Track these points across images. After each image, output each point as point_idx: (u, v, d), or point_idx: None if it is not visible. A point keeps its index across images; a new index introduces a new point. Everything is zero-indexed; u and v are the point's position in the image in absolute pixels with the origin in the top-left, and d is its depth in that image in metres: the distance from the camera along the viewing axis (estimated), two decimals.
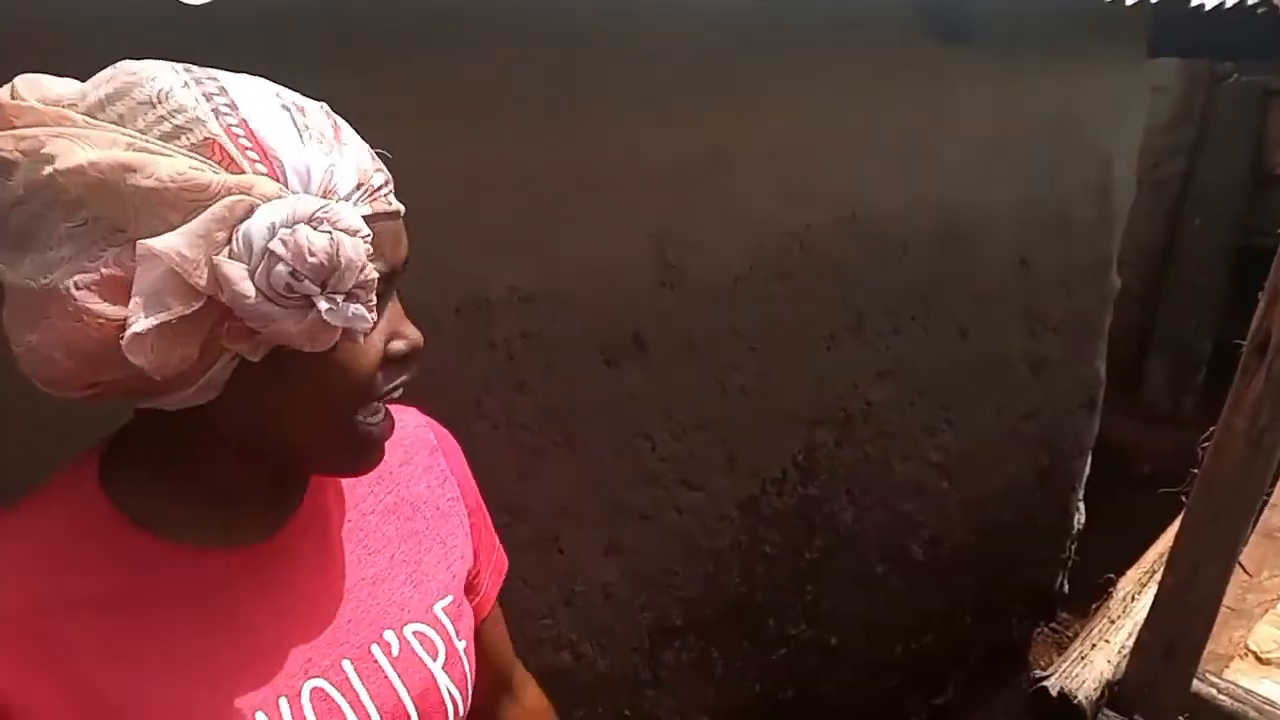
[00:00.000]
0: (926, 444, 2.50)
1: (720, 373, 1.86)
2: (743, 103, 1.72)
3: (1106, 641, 2.39)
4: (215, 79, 0.62)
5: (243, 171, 0.59)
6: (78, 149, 0.58)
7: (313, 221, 0.60)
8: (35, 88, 0.61)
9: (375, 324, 0.65)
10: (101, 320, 0.58)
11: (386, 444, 0.73)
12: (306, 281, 0.60)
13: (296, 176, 0.61)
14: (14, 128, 0.59)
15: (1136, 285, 4.31)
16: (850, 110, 1.95)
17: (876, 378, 2.26)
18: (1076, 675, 2.24)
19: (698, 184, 1.69)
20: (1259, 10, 2.07)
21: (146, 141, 0.59)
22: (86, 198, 0.58)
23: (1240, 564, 2.17)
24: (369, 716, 0.74)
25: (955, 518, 2.70)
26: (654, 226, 1.65)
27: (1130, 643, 2.32)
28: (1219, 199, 4.68)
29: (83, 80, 0.62)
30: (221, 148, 0.59)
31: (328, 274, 0.60)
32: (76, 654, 0.65)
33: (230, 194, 0.58)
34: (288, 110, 0.63)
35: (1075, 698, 2.18)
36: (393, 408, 0.73)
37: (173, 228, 0.58)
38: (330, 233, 0.60)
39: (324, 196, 0.62)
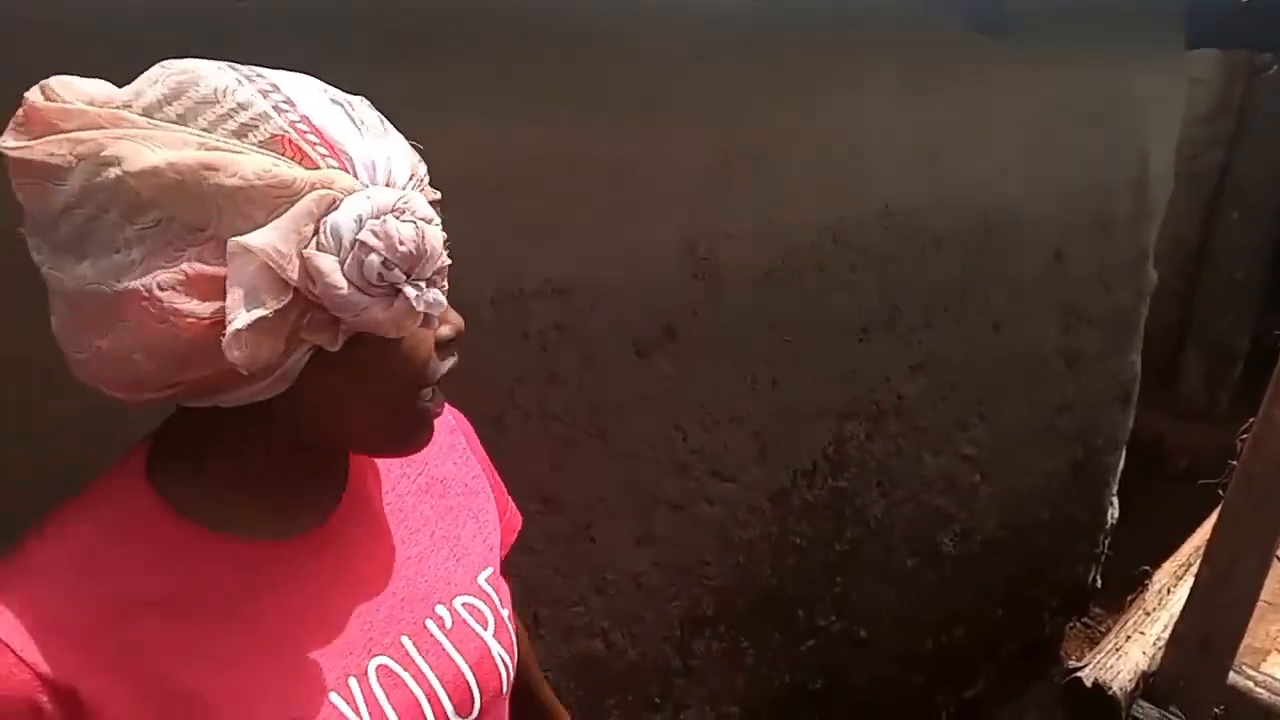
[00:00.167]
0: (959, 438, 2.50)
1: (752, 365, 1.87)
2: (780, 97, 1.73)
3: (1142, 633, 2.38)
4: (264, 76, 0.63)
5: (316, 166, 0.61)
6: (147, 150, 0.58)
7: (394, 212, 0.62)
8: (74, 90, 0.61)
9: None
10: (192, 319, 0.59)
11: None
12: (396, 270, 0.61)
13: (364, 169, 0.63)
14: (61, 131, 0.59)
15: (1173, 279, 4.26)
16: (886, 104, 1.95)
17: (909, 371, 2.26)
18: (1111, 667, 2.23)
19: (732, 177, 1.70)
20: None
21: (217, 140, 0.59)
22: (160, 199, 0.58)
23: (1278, 557, 2.16)
24: (433, 689, 0.77)
25: (987, 512, 2.70)
26: (687, 219, 1.66)
27: (1166, 635, 2.31)
28: (1257, 192, 4.61)
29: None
30: (292, 143, 0.60)
31: (415, 262, 0.62)
32: (148, 653, 0.66)
33: (313, 189, 0.60)
34: (339, 105, 0.64)
35: (1110, 689, 2.17)
36: None
37: (256, 224, 0.58)
38: (415, 222, 0.62)
39: (387, 187, 0.63)
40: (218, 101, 0.60)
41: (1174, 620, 2.31)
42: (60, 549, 0.66)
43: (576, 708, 1.75)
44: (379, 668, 0.75)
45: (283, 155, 0.60)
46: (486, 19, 1.30)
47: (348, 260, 0.60)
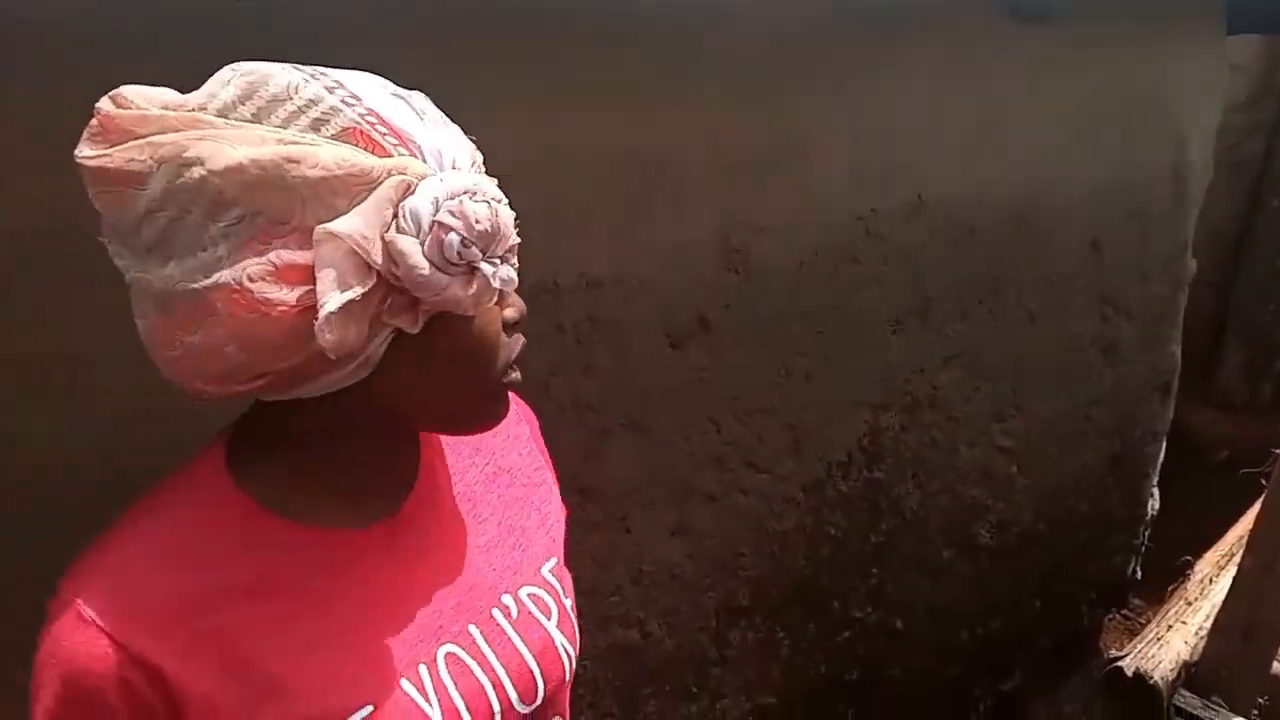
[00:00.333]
0: (994, 429, 2.49)
1: (786, 357, 1.87)
2: (815, 88, 1.73)
3: (1183, 623, 2.36)
4: (327, 73, 0.65)
5: (389, 155, 0.63)
6: (228, 148, 0.60)
7: (467, 193, 0.64)
8: (147, 96, 0.63)
9: None
10: (283, 307, 0.61)
11: None
12: (473, 248, 0.64)
13: (432, 156, 0.65)
14: (139, 137, 0.61)
15: (1212, 269, 4.21)
16: (922, 92, 1.95)
17: (943, 362, 2.25)
18: (1152, 656, 2.22)
19: (765, 170, 1.70)
20: None
21: (294, 135, 0.62)
22: (244, 195, 0.60)
23: None
24: (498, 677, 0.79)
25: (1024, 503, 2.68)
26: (721, 212, 1.67)
27: (1208, 625, 2.29)
28: None
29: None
30: (364, 134, 0.63)
31: (490, 240, 0.65)
32: (231, 637, 0.69)
33: (390, 175, 0.62)
34: (400, 98, 0.67)
35: (1151, 678, 2.16)
36: None
37: (338, 212, 0.61)
38: (487, 201, 0.65)
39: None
40: (289, 98, 0.62)
41: (1216, 610, 2.29)
42: (147, 538, 0.69)
43: (613, 697, 1.77)
44: (448, 655, 0.77)
45: (355, 145, 0.62)
46: (521, 13, 1.31)
47: (427, 241, 0.62)
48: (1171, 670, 2.23)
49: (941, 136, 2.04)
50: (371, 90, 0.66)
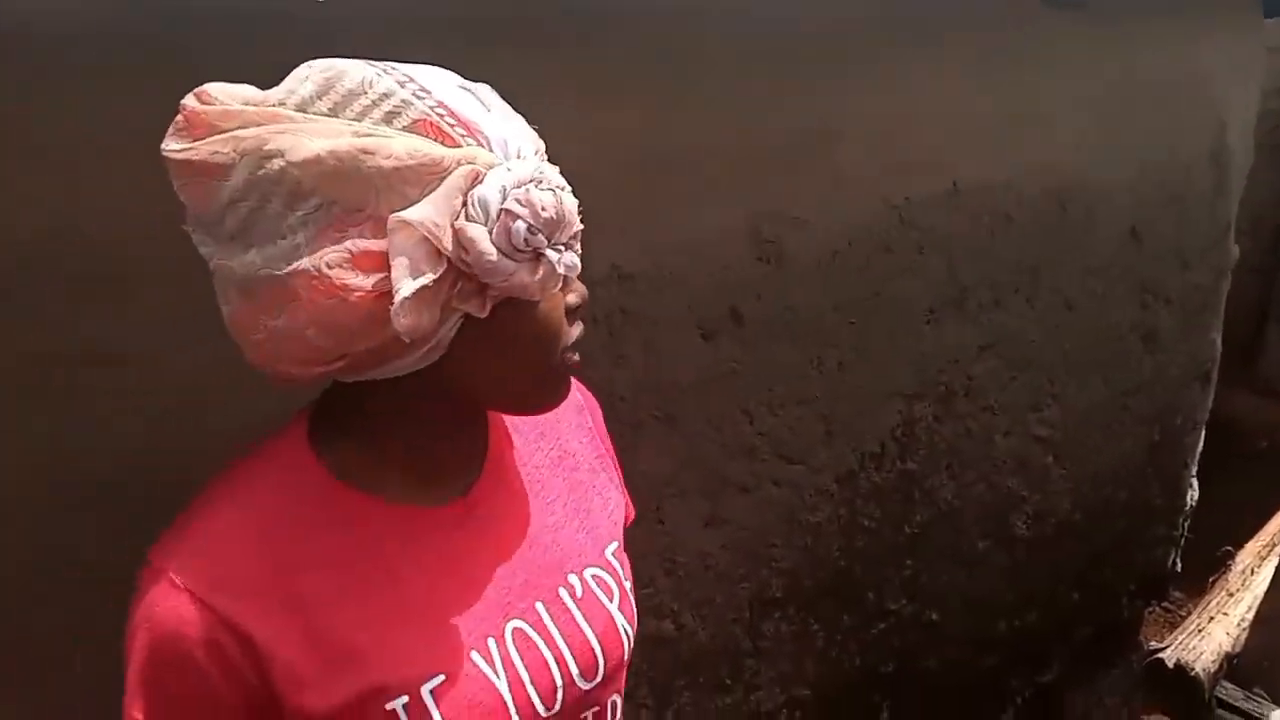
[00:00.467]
0: (1030, 419, 2.46)
1: (818, 348, 1.86)
2: (847, 76, 1.72)
3: (1225, 614, 2.34)
4: (397, 68, 0.69)
5: (458, 145, 0.66)
6: (306, 141, 0.63)
7: (533, 181, 0.67)
8: (229, 92, 0.66)
9: None
10: (360, 293, 0.64)
11: None
12: (539, 235, 0.67)
13: (498, 146, 0.68)
14: (222, 132, 0.64)
15: (1254, 255, 4.14)
16: (956, 79, 1.93)
17: (978, 352, 2.23)
18: (1194, 648, 2.20)
19: (797, 159, 1.69)
20: None
21: (368, 128, 0.65)
22: (321, 185, 0.63)
23: None
24: (562, 654, 0.82)
25: (1061, 494, 2.65)
26: (753, 203, 1.66)
27: (1250, 616, 2.26)
28: None
29: None
30: (434, 125, 0.66)
31: (555, 226, 0.68)
32: (312, 606, 0.72)
33: (460, 165, 0.65)
34: (466, 90, 0.70)
35: (1192, 670, 2.14)
36: None
37: (410, 201, 0.64)
38: (553, 190, 0.68)
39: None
40: (363, 93, 0.66)
41: (1258, 601, 2.26)
42: (234, 509, 0.73)
43: (647, 688, 1.77)
44: (515, 630, 0.80)
45: (426, 137, 0.66)
46: (551, 7, 1.31)
47: (495, 229, 0.65)
48: (1213, 662, 2.21)
49: (976, 123, 2.01)
50: (440, 83, 0.68)
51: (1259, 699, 2.25)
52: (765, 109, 1.61)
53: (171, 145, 0.65)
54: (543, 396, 0.80)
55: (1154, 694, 2.32)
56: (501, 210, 0.65)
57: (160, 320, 1.01)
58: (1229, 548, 2.66)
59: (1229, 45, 2.61)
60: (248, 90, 0.67)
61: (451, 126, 0.66)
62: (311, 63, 0.68)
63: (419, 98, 0.66)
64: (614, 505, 0.97)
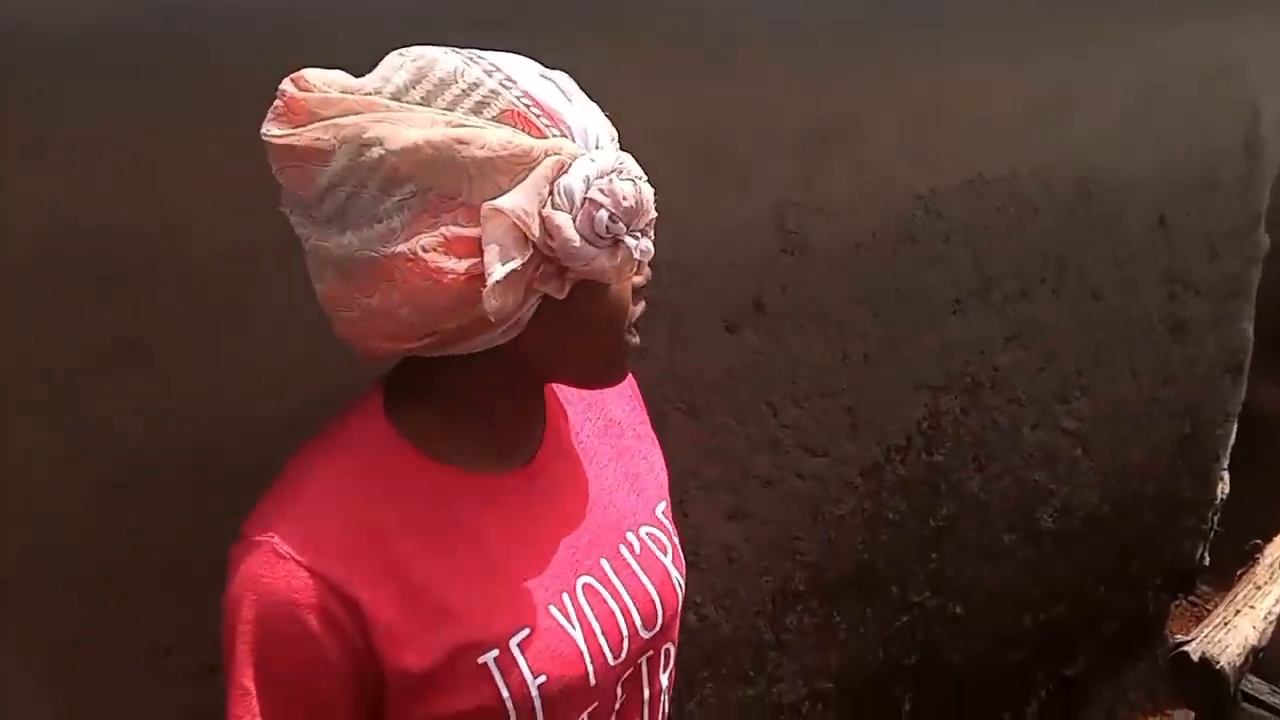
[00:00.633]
0: (1058, 411, 2.44)
1: (843, 340, 1.85)
2: (871, 65, 1.70)
3: (1252, 608, 2.31)
4: (484, 57, 0.72)
5: (543, 135, 0.70)
6: (404, 130, 0.66)
7: (615, 172, 0.71)
8: (327, 79, 0.70)
9: None
10: (452, 275, 0.68)
11: None
12: (619, 223, 0.71)
13: (580, 135, 0.72)
14: (322, 119, 0.68)
15: None
16: (984, 67, 1.90)
17: (1004, 343, 2.21)
18: (1219, 641, 2.18)
19: (821, 150, 1.68)
20: None
21: (460, 118, 0.68)
22: (417, 173, 0.67)
23: None
24: (626, 606, 0.88)
25: (1089, 486, 2.63)
26: (776, 194, 1.65)
27: (1277, 609, 2.24)
28: None
29: None
30: (521, 116, 0.70)
31: (634, 215, 0.72)
32: (404, 569, 0.76)
33: (548, 155, 0.69)
34: (548, 79, 0.74)
35: (1217, 663, 2.12)
36: None
37: (501, 189, 0.68)
38: (633, 180, 0.73)
39: (599, 149, 0.73)
40: (454, 82, 0.69)
41: None
42: (324, 481, 0.78)
43: None
44: (585, 586, 0.86)
45: (515, 127, 0.69)
46: None
47: (579, 216, 0.69)
48: (1239, 655, 2.18)
49: (1002, 112, 1.99)
50: (524, 72, 0.72)
51: None
52: (789, 99, 1.60)
53: (273, 130, 0.69)
54: (608, 372, 0.85)
55: (1178, 687, 2.30)
56: (585, 199, 0.68)
57: (177, 316, 1.02)
58: (1258, 541, 2.63)
59: (1263, 29, 2.56)
60: (342, 76, 0.70)
61: (537, 116, 0.70)
62: (403, 51, 0.72)
63: (505, 87, 0.70)
64: (658, 468, 1.04)
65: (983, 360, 2.17)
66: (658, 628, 0.91)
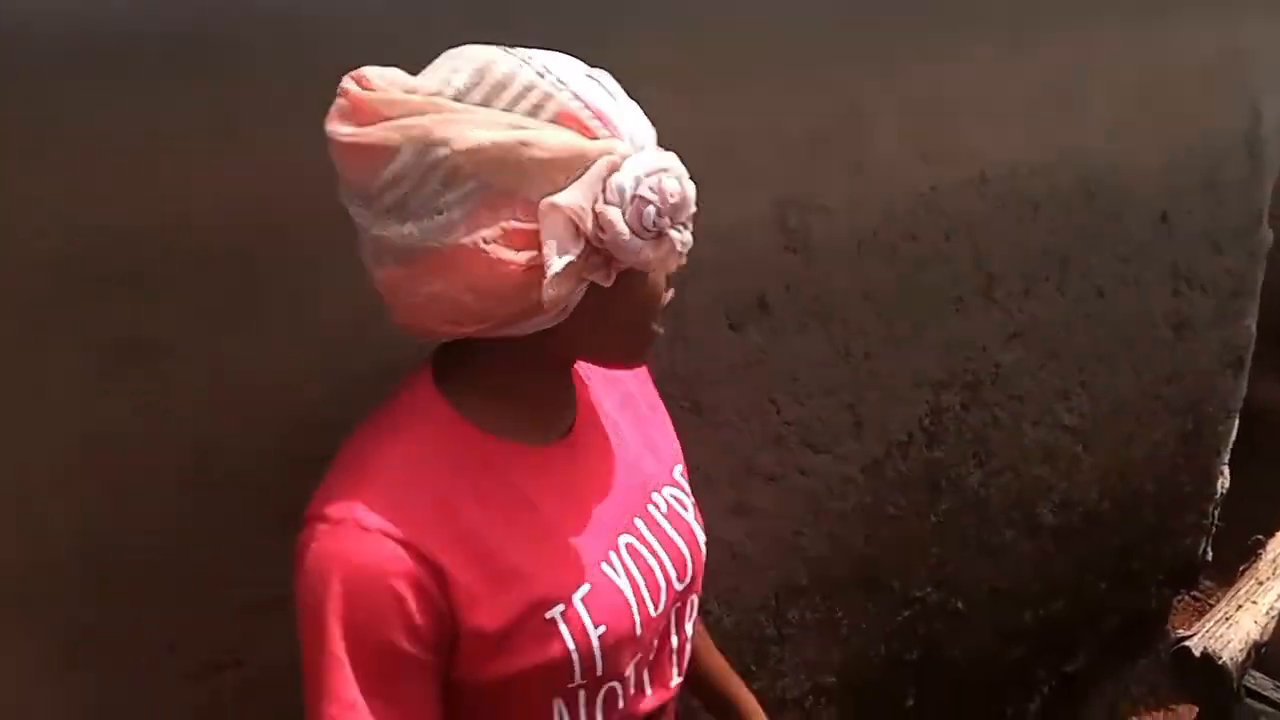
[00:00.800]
0: (1059, 408, 2.44)
1: (845, 337, 1.85)
2: (873, 62, 1.70)
3: (1254, 603, 2.31)
4: (534, 57, 0.76)
5: (594, 136, 0.75)
6: (469, 131, 0.71)
7: (661, 170, 0.76)
8: (389, 79, 0.74)
9: None
10: (513, 265, 0.73)
11: None
12: (666, 218, 0.76)
13: (627, 135, 0.77)
14: (387, 118, 0.72)
15: None
16: (983, 63, 1.90)
17: (1006, 341, 2.21)
18: (1221, 636, 2.17)
19: (823, 148, 1.68)
20: None
21: (520, 119, 0.73)
22: (480, 170, 0.72)
23: None
24: (661, 561, 0.95)
25: (1090, 483, 2.63)
26: (779, 191, 1.65)
27: (1279, 605, 2.23)
28: None
29: None
30: (574, 116, 0.75)
31: (680, 210, 0.78)
32: (475, 536, 0.82)
33: (601, 155, 0.74)
34: (594, 80, 0.79)
35: (1219, 658, 2.12)
36: None
37: (558, 187, 0.73)
38: (677, 177, 0.78)
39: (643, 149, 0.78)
40: (509, 85, 0.74)
41: None
42: (393, 458, 0.82)
43: None
44: (626, 544, 0.93)
45: (569, 128, 0.74)
46: None
47: (628, 211, 0.74)
48: (1241, 650, 2.18)
49: (1004, 108, 1.99)
50: (572, 73, 0.77)
51: None
52: (791, 95, 1.59)
53: (340, 129, 0.73)
54: (637, 354, 0.92)
55: (1181, 683, 2.30)
56: (635, 195, 0.74)
57: (177, 316, 1.02)
58: (1260, 536, 2.63)
59: (1265, 24, 2.55)
60: (401, 75, 0.75)
61: (589, 118, 0.75)
62: (459, 52, 0.76)
63: (558, 89, 0.74)
64: (670, 436, 1.11)
65: (984, 357, 2.17)
66: (688, 579, 0.99)
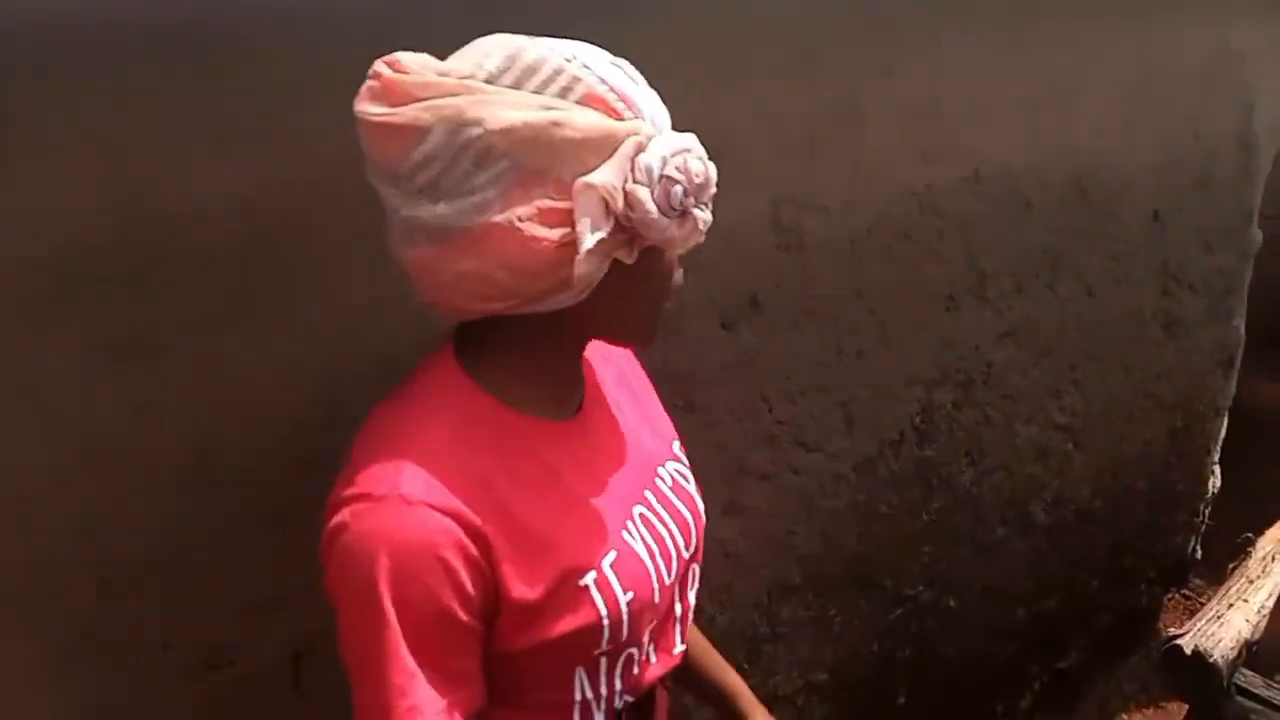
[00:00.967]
0: (1051, 406, 2.45)
1: (838, 335, 1.86)
2: (868, 61, 1.70)
3: (1245, 601, 2.31)
4: (561, 44, 0.78)
5: (621, 117, 0.78)
6: (501, 112, 0.73)
7: (685, 150, 0.79)
8: (420, 62, 0.76)
9: None
10: (546, 242, 0.75)
11: None
12: (690, 197, 0.79)
13: (649, 117, 0.80)
14: (419, 99, 0.74)
15: (1279, 239, 4.09)
16: (977, 63, 1.91)
17: (999, 339, 2.22)
18: (1212, 634, 2.18)
19: (817, 146, 1.68)
20: None
21: (550, 101, 0.75)
22: (513, 150, 0.73)
23: None
24: (671, 530, 0.98)
25: (1081, 481, 2.64)
26: (772, 190, 1.65)
27: (1270, 603, 2.24)
28: None
29: None
30: (602, 99, 0.77)
31: (703, 189, 0.80)
32: (508, 508, 0.83)
33: (629, 136, 0.76)
34: (617, 65, 0.81)
35: (1210, 656, 2.12)
36: None
37: (588, 167, 0.75)
38: (700, 158, 0.80)
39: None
40: (540, 69, 0.76)
41: (1279, 588, 2.24)
42: (425, 434, 0.83)
43: None
44: (640, 515, 0.96)
45: (597, 110, 0.76)
46: None
47: (656, 190, 0.76)
48: (1232, 649, 2.19)
49: (997, 109, 2.00)
50: (597, 59, 0.79)
51: (1278, 687, 2.24)
52: (785, 96, 1.60)
53: (371, 109, 0.75)
54: (648, 331, 0.94)
55: (1171, 680, 2.31)
56: (662, 175, 0.76)
57: (177, 316, 1.02)
58: (1249, 535, 2.64)
59: (1257, 25, 2.57)
60: (434, 61, 0.76)
61: (615, 100, 0.77)
62: (491, 39, 0.78)
63: (585, 73, 0.76)
64: (663, 412, 1.14)
65: (976, 355, 2.18)
66: (693, 548, 1.02)
